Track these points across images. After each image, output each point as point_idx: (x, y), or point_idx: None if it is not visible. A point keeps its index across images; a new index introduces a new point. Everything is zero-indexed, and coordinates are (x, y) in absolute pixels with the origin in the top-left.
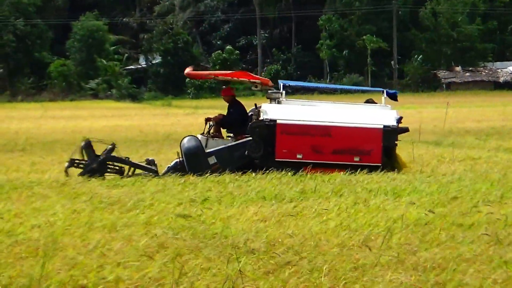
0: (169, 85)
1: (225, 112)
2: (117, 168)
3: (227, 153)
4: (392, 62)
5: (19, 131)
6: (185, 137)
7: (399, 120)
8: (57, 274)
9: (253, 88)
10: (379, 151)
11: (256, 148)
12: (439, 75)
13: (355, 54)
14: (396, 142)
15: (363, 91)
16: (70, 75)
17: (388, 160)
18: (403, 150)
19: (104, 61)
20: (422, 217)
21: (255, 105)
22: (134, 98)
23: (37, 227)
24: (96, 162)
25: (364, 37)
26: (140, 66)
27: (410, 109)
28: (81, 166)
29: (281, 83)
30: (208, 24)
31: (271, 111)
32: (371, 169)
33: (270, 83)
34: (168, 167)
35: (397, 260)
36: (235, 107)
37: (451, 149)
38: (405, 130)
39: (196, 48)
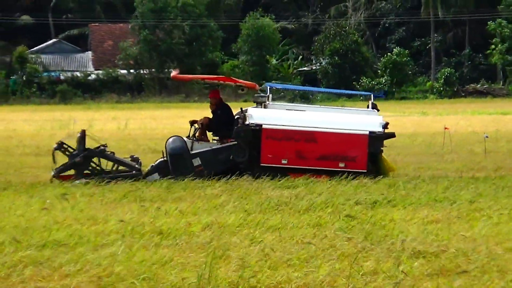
0: (340, 86)
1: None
2: (98, 168)
3: (212, 156)
4: None
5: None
6: (170, 137)
7: (385, 126)
8: (227, 275)
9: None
10: (364, 157)
11: (241, 153)
12: None
13: None
14: (381, 148)
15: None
16: (243, 76)
17: (373, 166)
18: None
19: (275, 61)
20: None
21: (241, 109)
22: (306, 99)
23: (208, 227)
24: (81, 157)
25: None
26: (313, 68)
27: None
28: (67, 153)
29: (267, 86)
30: (382, 27)
31: (257, 115)
32: (356, 175)
33: (257, 87)
34: (152, 166)
35: None
36: (222, 110)
37: None
38: (391, 135)
39: (368, 50)
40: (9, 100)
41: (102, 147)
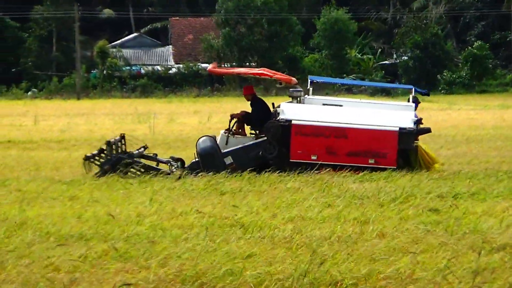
0: (421, 79)
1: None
2: (138, 172)
3: (243, 153)
4: None
5: None
6: (200, 137)
7: (418, 122)
8: (310, 268)
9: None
10: (394, 153)
11: (271, 149)
12: None
13: None
14: (414, 144)
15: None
16: (323, 70)
17: (405, 162)
18: None
19: (359, 55)
20: None
21: (273, 104)
22: (388, 93)
23: (290, 221)
24: (109, 164)
25: None
26: (393, 61)
27: None
28: (96, 163)
29: (310, 79)
30: (462, 21)
31: (287, 111)
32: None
33: (294, 81)
34: (185, 167)
35: None
36: (258, 104)
37: None
38: (427, 131)
39: (449, 44)
40: (90, 94)
41: (142, 149)
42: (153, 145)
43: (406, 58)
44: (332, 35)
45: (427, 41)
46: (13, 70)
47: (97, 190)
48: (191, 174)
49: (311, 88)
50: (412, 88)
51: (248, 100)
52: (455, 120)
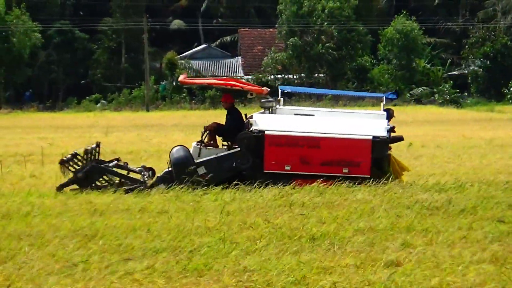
0: (490, 90)
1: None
2: (107, 179)
3: (216, 164)
4: None
5: None
6: (174, 146)
7: (391, 130)
8: (379, 279)
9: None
10: (368, 162)
11: (244, 160)
12: None
13: None
14: (387, 153)
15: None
16: (392, 80)
17: (379, 171)
18: None
19: (428, 66)
20: None
21: (245, 115)
22: (457, 103)
23: (360, 232)
24: (82, 172)
25: None
26: (462, 72)
27: None
28: (71, 169)
29: (280, 89)
30: None
31: (260, 121)
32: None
33: (265, 91)
34: (158, 177)
35: None
36: (232, 115)
37: None
38: (399, 139)
39: None
40: (159, 105)
41: (115, 161)
42: None
43: (474, 68)
44: (401, 46)
45: (496, 52)
46: (82, 82)
47: (166, 202)
48: (163, 184)
49: (281, 99)
50: (382, 97)
51: (226, 109)
52: None
